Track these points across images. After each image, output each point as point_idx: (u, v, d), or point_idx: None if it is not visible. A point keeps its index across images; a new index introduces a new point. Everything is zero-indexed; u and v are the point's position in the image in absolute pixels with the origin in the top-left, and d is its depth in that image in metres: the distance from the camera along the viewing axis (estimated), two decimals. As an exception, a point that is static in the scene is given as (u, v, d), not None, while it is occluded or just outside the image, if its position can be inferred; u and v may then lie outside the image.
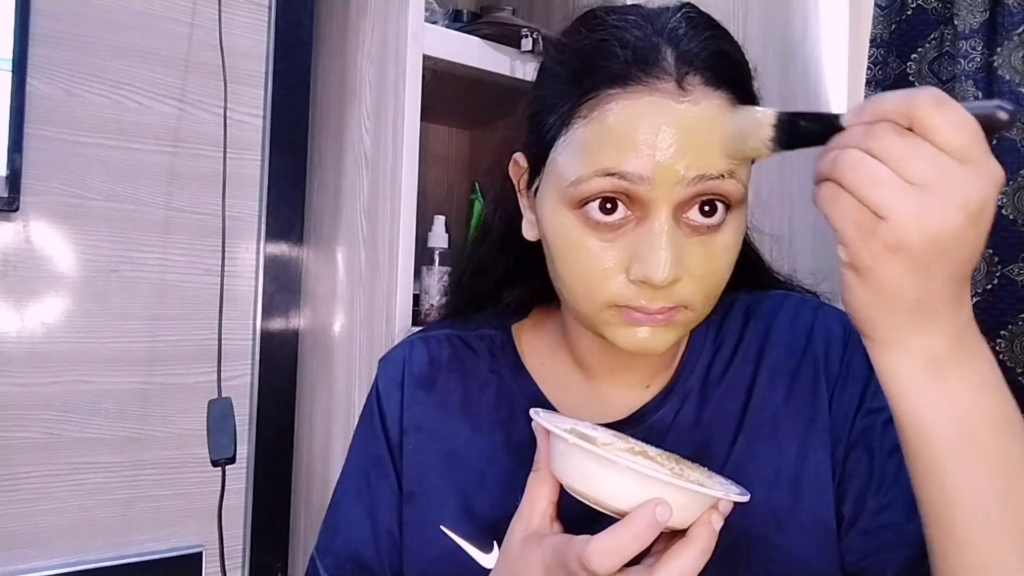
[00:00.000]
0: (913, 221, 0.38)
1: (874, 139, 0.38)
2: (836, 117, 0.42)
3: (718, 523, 0.45)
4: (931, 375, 0.42)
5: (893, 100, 0.39)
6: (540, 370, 0.65)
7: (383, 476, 0.65)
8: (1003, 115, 0.38)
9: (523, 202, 0.60)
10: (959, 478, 0.42)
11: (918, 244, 0.38)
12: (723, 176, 0.49)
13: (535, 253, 0.62)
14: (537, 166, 0.56)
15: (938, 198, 0.37)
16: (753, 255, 0.67)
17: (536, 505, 0.49)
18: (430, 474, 0.64)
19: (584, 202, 0.51)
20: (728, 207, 0.52)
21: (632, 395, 0.62)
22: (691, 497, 0.44)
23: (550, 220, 0.54)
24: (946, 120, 0.37)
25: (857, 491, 0.56)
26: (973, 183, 0.37)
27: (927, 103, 0.37)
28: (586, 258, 0.52)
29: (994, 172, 0.38)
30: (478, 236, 0.69)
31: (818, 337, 0.61)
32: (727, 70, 0.52)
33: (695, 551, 0.44)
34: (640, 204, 0.50)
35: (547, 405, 0.63)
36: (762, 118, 0.46)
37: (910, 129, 0.38)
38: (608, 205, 0.50)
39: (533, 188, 0.57)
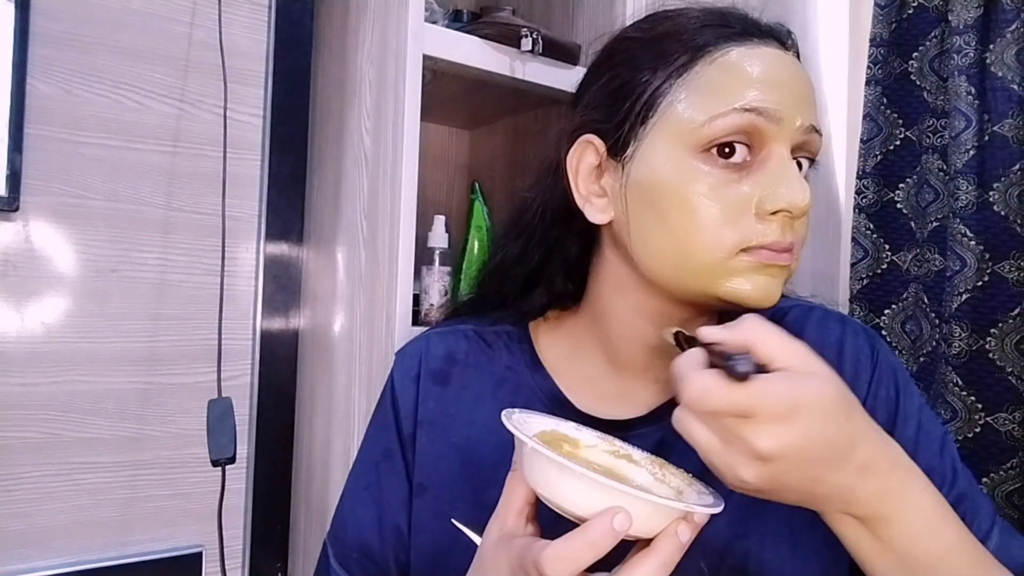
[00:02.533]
0: (731, 476, 0.44)
1: (697, 409, 0.45)
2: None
3: (686, 534, 0.44)
4: (866, 532, 0.48)
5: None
6: (558, 367, 0.65)
7: (393, 469, 0.65)
8: (742, 369, 0.43)
9: (587, 189, 0.60)
10: None
11: (745, 489, 0.45)
12: (820, 133, 0.55)
13: (560, 254, 0.64)
14: (632, 131, 0.56)
15: (735, 456, 0.44)
16: None
17: (512, 506, 0.49)
18: (442, 467, 0.64)
19: (712, 143, 0.53)
20: (810, 165, 0.58)
21: (653, 393, 0.62)
22: (654, 507, 0.43)
23: (665, 171, 0.54)
24: (711, 399, 0.43)
25: None
26: (759, 437, 0.43)
27: (688, 395, 0.44)
28: (715, 200, 0.53)
29: (782, 418, 0.43)
30: (509, 233, 0.69)
31: (847, 355, 0.62)
32: (799, 50, 0.59)
33: (656, 563, 0.43)
34: (762, 144, 0.53)
35: (563, 401, 0.63)
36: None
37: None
38: (727, 150, 0.53)
39: (624, 156, 0.57)
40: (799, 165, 0.55)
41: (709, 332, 0.47)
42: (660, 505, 0.43)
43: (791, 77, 0.54)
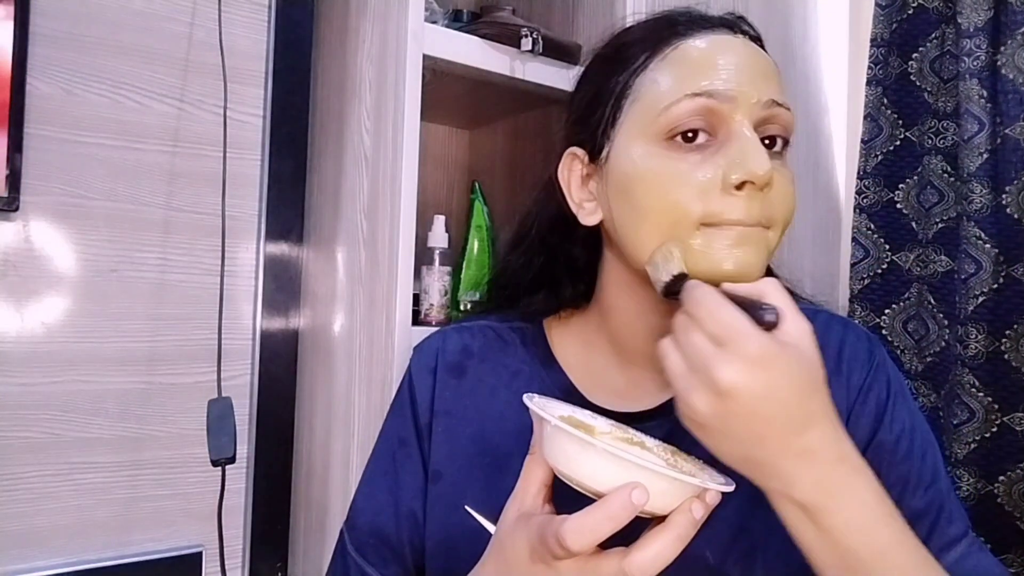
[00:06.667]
0: (683, 401, 0.46)
1: (678, 331, 0.48)
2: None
3: (699, 512, 0.46)
4: (807, 519, 0.48)
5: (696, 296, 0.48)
6: (570, 361, 0.68)
7: (408, 457, 0.68)
8: (769, 318, 0.46)
9: (579, 196, 0.63)
10: None
11: (691, 419, 0.47)
12: (786, 107, 0.56)
13: (563, 260, 0.67)
14: (605, 134, 0.60)
15: (694, 381, 0.46)
16: None
17: (530, 486, 0.51)
18: (457, 456, 0.66)
19: (673, 129, 0.55)
20: (784, 145, 0.58)
21: (660, 386, 0.64)
22: (670, 483, 0.45)
23: (634, 163, 0.57)
24: (705, 311, 0.47)
25: None
26: (723, 367, 0.44)
27: (688, 305, 0.48)
28: (680, 181, 0.55)
29: (752, 362, 0.44)
30: (513, 241, 0.73)
31: (846, 356, 0.64)
32: (758, 33, 0.62)
33: (671, 537, 0.45)
34: (722, 125, 0.55)
35: (576, 394, 0.65)
36: (670, 272, 0.54)
37: None
38: (690, 134, 0.55)
39: (602, 157, 0.61)
40: (772, 142, 0.57)
41: (730, 287, 0.50)
42: (677, 481, 0.45)
43: (741, 57, 0.57)
